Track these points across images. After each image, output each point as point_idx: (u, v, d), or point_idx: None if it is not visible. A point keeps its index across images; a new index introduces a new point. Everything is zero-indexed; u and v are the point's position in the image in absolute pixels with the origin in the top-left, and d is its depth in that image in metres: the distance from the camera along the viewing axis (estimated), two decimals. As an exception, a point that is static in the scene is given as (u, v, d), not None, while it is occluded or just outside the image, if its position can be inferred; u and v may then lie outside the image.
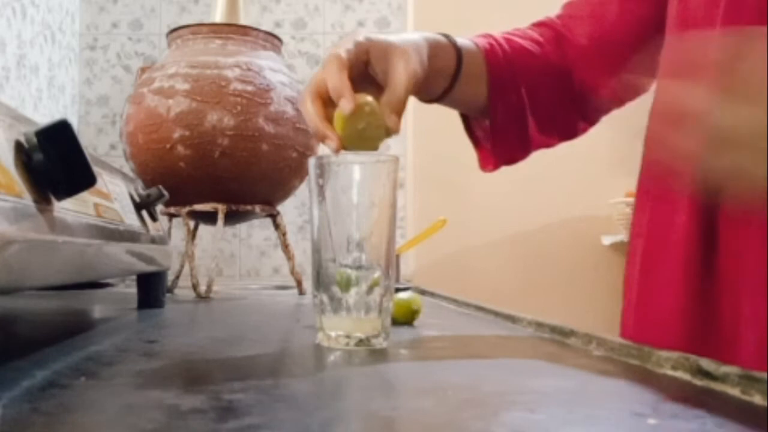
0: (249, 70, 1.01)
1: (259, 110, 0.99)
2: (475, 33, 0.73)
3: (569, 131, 0.75)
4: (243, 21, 1.09)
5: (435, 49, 0.63)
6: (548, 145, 0.75)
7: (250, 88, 0.99)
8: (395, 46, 0.57)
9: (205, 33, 1.06)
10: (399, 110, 0.55)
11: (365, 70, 0.58)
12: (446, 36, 0.67)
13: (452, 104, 0.72)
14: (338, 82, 0.53)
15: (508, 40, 0.72)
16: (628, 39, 0.70)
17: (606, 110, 0.75)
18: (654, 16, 0.66)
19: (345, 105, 0.52)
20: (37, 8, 1.58)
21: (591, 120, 0.75)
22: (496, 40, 0.71)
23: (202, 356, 0.47)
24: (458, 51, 0.67)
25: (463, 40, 0.69)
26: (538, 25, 0.76)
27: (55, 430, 0.27)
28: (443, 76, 0.67)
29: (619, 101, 0.74)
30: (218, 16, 1.09)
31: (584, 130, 0.76)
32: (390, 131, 0.55)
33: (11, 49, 1.45)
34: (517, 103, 0.71)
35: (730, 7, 0.55)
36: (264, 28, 1.15)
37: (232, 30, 1.06)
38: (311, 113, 0.54)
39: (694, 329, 0.57)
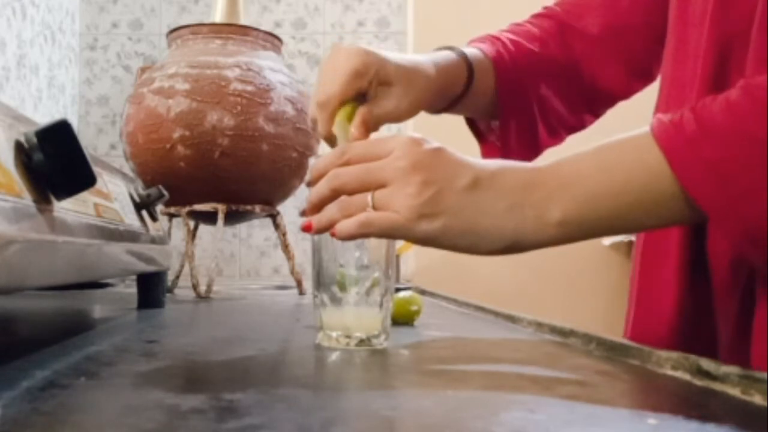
0: (249, 70, 1.01)
1: (259, 110, 0.99)
2: (475, 33, 0.73)
3: (576, 126, 0.75)
4: (243, 21, 1.09)
5: (445, 77, 0.63)
6: (555, 145, 0.75)
7: (250, 88, 0.99)
8: (401, 85, 0.58)
9: (205, 33, 1.06)
10: (368, 124, 0.56)
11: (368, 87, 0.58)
12: (462, 54, 0.66)
13: (456, 113, 0.71)
14: (322, 133, 0.57)
15: (514, 43, 0.71)
16: (640, 28, 0.69)
17: (613, 102, 0.74)
18: (664, 3, 0.65)
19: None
20: (37, 8, 1.58)
21: (597, 113, 0.75)
22: (504, 46, 0.70)
23: (202, 356, 0.47)
24: (470, 69, 0.66)
25: (473, 51, 0.68)
26: (539, 16, 0.75)
27: (55, 430, 0.27)
28: (450, 95, 0.66)
29: (627, 92, 0.73)
30: (218, 16, 1.09)
31: (590, 123, 0.76)
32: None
33: (11, 49, 1.45)
34: (529, 118, 0.71)
35: None
36: (264, 28, 1.15)
37: (232, 30, 1.06)
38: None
39: (688, 329, 0.57)
